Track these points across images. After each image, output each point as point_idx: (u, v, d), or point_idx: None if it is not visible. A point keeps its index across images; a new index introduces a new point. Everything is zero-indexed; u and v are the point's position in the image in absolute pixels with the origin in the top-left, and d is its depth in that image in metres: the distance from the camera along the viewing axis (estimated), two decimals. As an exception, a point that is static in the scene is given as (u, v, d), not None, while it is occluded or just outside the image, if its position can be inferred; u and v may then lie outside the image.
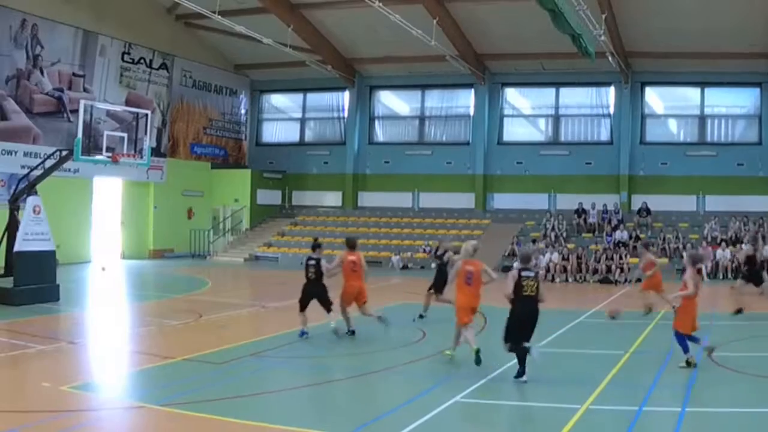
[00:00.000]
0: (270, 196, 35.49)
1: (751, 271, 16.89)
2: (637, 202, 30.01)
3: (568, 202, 30.74)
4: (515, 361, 9.99)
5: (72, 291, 18.57)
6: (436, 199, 33.36)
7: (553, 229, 28.72)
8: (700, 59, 28.50)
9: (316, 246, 13.21)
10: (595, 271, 24.52)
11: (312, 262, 12.84)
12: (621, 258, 24.62)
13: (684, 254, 11.77)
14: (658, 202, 29.56)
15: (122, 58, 29.50)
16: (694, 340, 10.77)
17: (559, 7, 19.67)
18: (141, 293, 20.43)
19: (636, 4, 25.73)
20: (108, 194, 29.87)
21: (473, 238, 29.72)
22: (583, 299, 19.43)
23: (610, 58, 26.48)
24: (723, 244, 25.18)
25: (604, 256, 24.82)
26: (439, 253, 14.99)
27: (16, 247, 16.49)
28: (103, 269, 25.28)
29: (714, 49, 27.64)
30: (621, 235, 27.32)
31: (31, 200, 16.94)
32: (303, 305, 12.83)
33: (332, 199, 35.35)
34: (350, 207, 34.70)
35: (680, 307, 10.84)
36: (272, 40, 27.80)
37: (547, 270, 24.14)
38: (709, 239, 26.59)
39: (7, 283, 16.28)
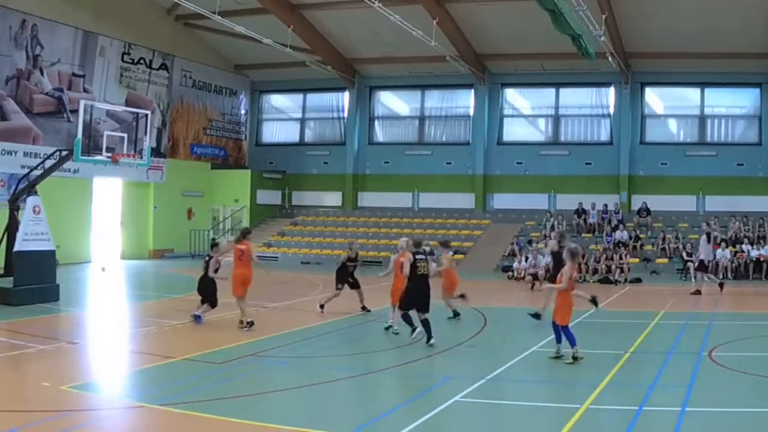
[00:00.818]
0: (270, 197, 35.49)
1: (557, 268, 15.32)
2: (637, 202, 29.99)
3: (568, 202, 30.72)
4: (514, 361, 10.07)
5: (72, 291, 18.49)
6: (436, 200, 33.34)
7: (552, 229, 28.68)
8: (700, 59, 28.47)
9: (213, 245, 15.04)
10: (595, 271, 24.50)
11: (206, 259, 14.30)
12: (621, 258, 24.59)
13: (565, 251, 11.52)
14: (658, 202, 29.53)
15: (122, 59, 29.48)
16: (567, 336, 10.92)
17: (559, 8, 19.67)
18: (141, 293, 20.38)
19: (636, 4, 25.72)
20: (108, 194, 29.83)
21: (473, 239, 29.87)
22: (583, 299, 19.38)
23: (610, 59, 26.46)
24: (723, 244, 25.16)
25: (604, 256, 24.79)
26: (353, 255, 16.04)
27: (16, 247, 16.46)
28: (103, 269, 25.24)
29: (714, 49, 27.62)
30: (621, 235, 27.30)
31: (30, 200, 16.90)
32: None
33: (332, 199, 35.34)
34: (350, 207, 34.69)
35: (559, 301, 10.93)
36: (272, 41, 27.79)
37: (547, 270, 24.06)
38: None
39: (7, 283, 16.25)
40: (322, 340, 12.66)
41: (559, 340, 11.03)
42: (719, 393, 9.25)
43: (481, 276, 25.54)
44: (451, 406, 8.55)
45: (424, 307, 12.02)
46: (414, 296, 12.03)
